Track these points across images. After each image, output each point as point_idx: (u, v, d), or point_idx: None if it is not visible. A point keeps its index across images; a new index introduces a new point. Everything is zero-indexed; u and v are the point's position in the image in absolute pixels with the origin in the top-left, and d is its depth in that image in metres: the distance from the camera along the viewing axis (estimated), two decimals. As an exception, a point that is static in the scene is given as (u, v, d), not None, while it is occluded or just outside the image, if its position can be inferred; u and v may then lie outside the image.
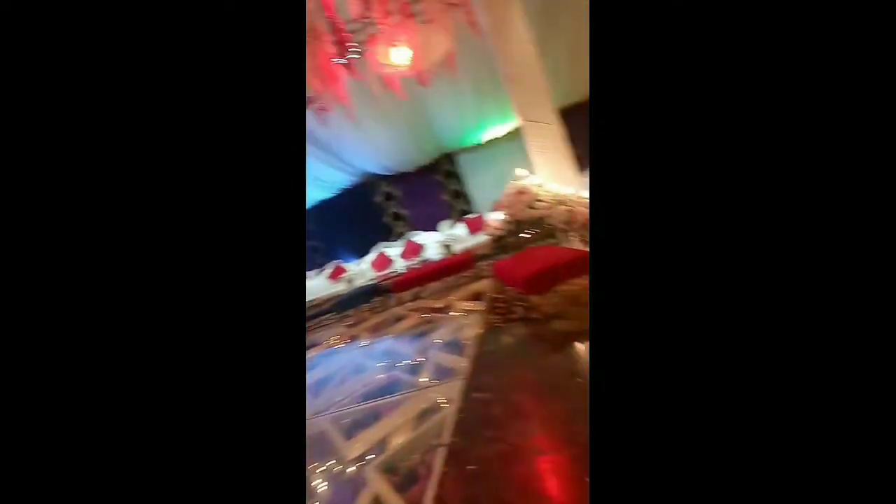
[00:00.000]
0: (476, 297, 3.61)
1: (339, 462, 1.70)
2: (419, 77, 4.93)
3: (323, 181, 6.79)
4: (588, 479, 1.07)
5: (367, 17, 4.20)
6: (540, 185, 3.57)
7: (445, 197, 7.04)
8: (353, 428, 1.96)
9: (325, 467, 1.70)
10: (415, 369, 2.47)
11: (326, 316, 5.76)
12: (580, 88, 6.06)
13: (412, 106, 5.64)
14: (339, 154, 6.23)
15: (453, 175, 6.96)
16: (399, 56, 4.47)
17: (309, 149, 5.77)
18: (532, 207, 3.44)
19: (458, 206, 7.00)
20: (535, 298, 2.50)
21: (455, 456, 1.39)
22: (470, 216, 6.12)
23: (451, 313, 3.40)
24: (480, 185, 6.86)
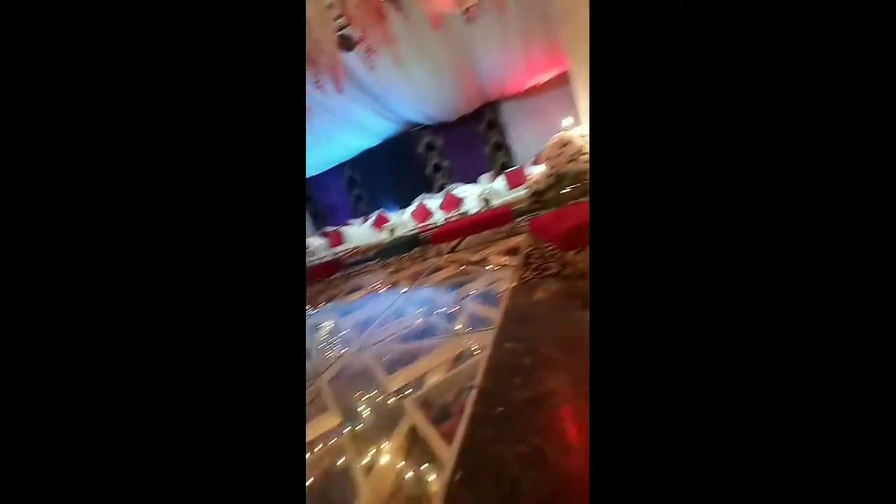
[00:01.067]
0: (512, 251, 3.65)
1: (380, 393, 1.90)
2: (467, 14, 4.66)
3: (368, 129, 6.80)
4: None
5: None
6: (585, 137, 3.40)
7: (486, 149, 6.87)
8: (394, 365, 2.16)
9: (368, 396, 1.91)
10: (451, 317, 2.61)
11: (370, 263, 6.06)
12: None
13: (457, 47, 5.38)
14: (383, 100, 6.16)
15: (495, 126, 6.73)
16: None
17: (355, 94, 5.74)
18: (574, 161, 3.31)
19: (498, 159, 6.83)
20: (569, 255, 2.50)
21: (485, 398, 1.52)
22: (510, 170, 5.98)
23: (486, 267, 3.47)
24: (522, 136, 6.61)
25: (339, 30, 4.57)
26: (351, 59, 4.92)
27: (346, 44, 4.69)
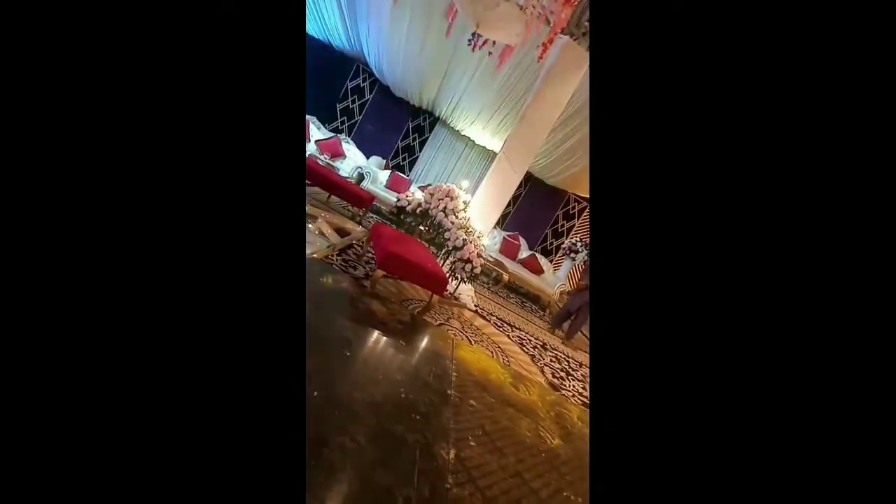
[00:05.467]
0: (341, 231, 3.59)
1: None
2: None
3: (325, 19, 5.99)
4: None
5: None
6: (466, 205, 3.75)
7: (399, 143, 6.85)
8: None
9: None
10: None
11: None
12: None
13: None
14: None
15: (420, 135, 6.84)
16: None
17: None
18: (444, 212, 3.59)
19: (398, 158, 6.88)
20: (378, 273, 2.61)
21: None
22: (400, 174, 6.07)
23: (309, 223, 3.31)
24: (431, 161, 6.87)
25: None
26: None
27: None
